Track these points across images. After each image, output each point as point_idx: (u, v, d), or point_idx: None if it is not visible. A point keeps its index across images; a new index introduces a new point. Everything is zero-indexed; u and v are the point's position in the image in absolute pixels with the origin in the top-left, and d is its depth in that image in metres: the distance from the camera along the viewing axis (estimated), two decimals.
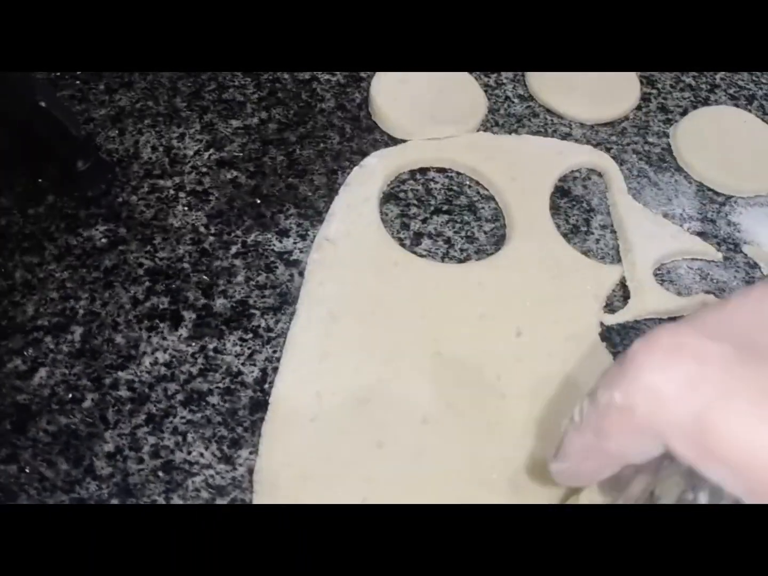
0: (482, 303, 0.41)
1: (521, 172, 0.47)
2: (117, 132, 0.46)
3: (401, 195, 0.46)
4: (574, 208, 0.47)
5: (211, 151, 0.46)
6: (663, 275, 0.45)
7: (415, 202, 0.46)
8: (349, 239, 0.42)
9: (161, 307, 0.39)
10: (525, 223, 0.45)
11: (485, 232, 0.45)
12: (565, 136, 0.51)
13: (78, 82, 0.49)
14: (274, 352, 0.38)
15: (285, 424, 0.36)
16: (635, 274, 0.44)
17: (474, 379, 0.39)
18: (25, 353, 0.37)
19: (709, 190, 0.50)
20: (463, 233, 0.45)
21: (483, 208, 0.46)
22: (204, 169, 0.45)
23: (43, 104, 0.39)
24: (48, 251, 0.40)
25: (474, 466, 0.36)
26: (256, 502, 0.34)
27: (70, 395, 0.36)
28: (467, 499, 0.35)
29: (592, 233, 0.46)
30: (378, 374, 0.38)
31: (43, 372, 0.36)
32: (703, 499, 0.20)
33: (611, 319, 0.42)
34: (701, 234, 0.48)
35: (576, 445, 0.21)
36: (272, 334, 0.39)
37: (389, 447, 0.36)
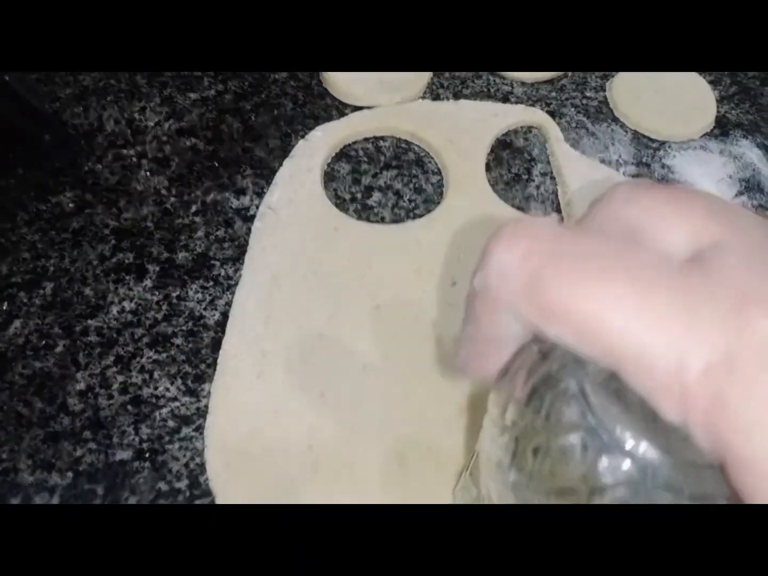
0: (418, 259, 0.44)
1: (458, 135, 0.50)
2: (81, 109, 0.49)
3: (352, 154, 0.49)
4: (516, 158, 0.50)
5: (171, 121, 0.49)
6: None
7: (365, 159, 0.49)
8: (290, 207, 0.45)
9: (126, 261, 0.42)
10: (461, 181, 0.48)
11: (432, 184, 0.48)
12: (507, 95, 0.54)
13: None
14: (233, 297, 0.41)
15: (232, 381, 0.38)
16: (573, 214, 0.47)
17: (410, 327, 0.41)
18: (1, 308, 0.40)
19: (644, 137, 0.53)
20: (411, 185, 0.48)
21: (429, 162, 0.49)
22: (164, 138, 0.48)
23: (6, 78, 0.41)
24: (19, 217, 0.43)
25: (411, 406, 0.38)
26: (207, 456, 0.36)
27: (43, 342, 0.39)
28: (404, 437, 0.37)
29: (533, 180, 0.49)
30: (320, 332, 0.40)
31: (17, 323, 0.39)
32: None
33: None
34: (636, 176, 0.50)
35: (465, 336, 0.23)
36: (232, 282, 0.42)
37: (331, 395, 0.38)
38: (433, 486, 0.36)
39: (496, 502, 0.25)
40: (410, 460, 0.37)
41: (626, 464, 0.18)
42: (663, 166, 0.52)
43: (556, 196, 0.48)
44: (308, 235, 0.44)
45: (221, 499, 0.35)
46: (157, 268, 0.42)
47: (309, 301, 0.42)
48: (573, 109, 0.54)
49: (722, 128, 0.55)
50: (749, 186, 0.52)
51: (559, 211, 0.48)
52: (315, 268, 0.43)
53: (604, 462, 0.18)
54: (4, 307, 0.40)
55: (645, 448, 0.18)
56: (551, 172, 0.50)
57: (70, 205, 0.44)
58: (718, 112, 0.55)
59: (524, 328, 0.20)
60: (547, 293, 0.18)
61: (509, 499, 0.24)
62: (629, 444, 0.18)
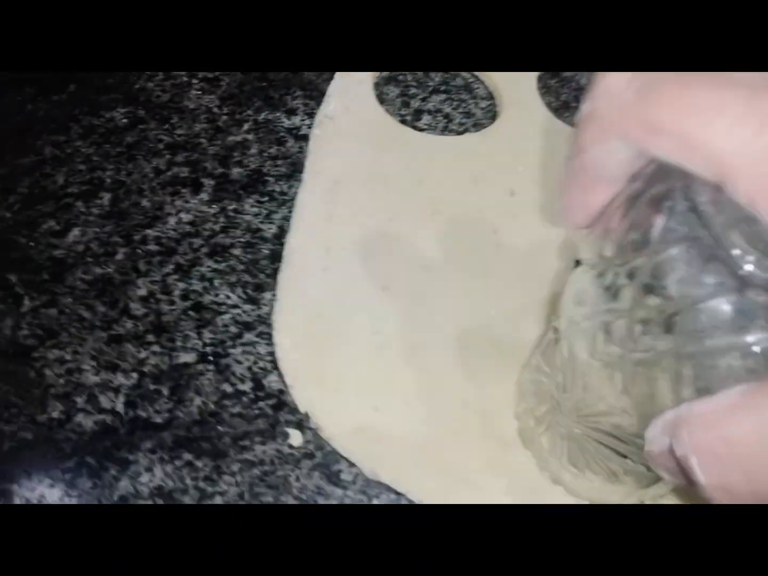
0: (476, 169, 0.44)
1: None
2: None
3: (400, 78, 0.49)
4: (564, 86, 0.50)
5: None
6: None
7: (414, 83, 0.48)
8: (347, 115, 0.45)
9: (182, 175, 0.42)
10: (514, 100, 0.48)
11: (481, 109, 0.48)
12: None
13: None
14: (290, 212, 0.41)
15: (299, 274, 0.39)
16: None
17: (470, 233, 0.41)
18: (58, 216, 0.40)
19: None
20: (460, 109, 0.48)
21: (478, 88, 0.49)
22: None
23: None
24: (73, 130, 0.43)
25: (472, 305, 0.39)
26: (276, 338, 0.37)
27: (103, 250, 0.39)
28: (466, 330, 0.38)
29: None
30: (381, 231, 0.41)
31: (76, 231, 0.39)
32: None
33: None
34: None
35: (569, 172, 0.24)
36: (286, 197, 0.42)
37: (394, 290, 0.39)
38: (496, 369, 0.36)
39: (577, 367, 0.26)
40: (473, 349, 0.37)
41: (728, 273, 0.18)
42: None
43: None
44: (367, 142, 0.44)
45: (290, 378, 0.35)
46: (213, 182, 0.42)
47: (370, 203, 0.42)
48: None
49: None
50: None
51: None
52: (374, 174, 0.43)
53: (708, 269, 0.19)
54: (62, 216, 0.40)
55: (748, 259, 0.18)
56: None
57: (123, 120, 0.44)
58: None
59: (629, 155, 0.21)
60: (654, 106, 0.19)
61: (593, 365, 0.24)
62: (735, 252, 0.18)
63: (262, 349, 0.37)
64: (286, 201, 0.42)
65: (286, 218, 0.41)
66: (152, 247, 0.39)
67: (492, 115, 0.48)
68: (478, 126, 0.47)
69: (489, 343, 0.37)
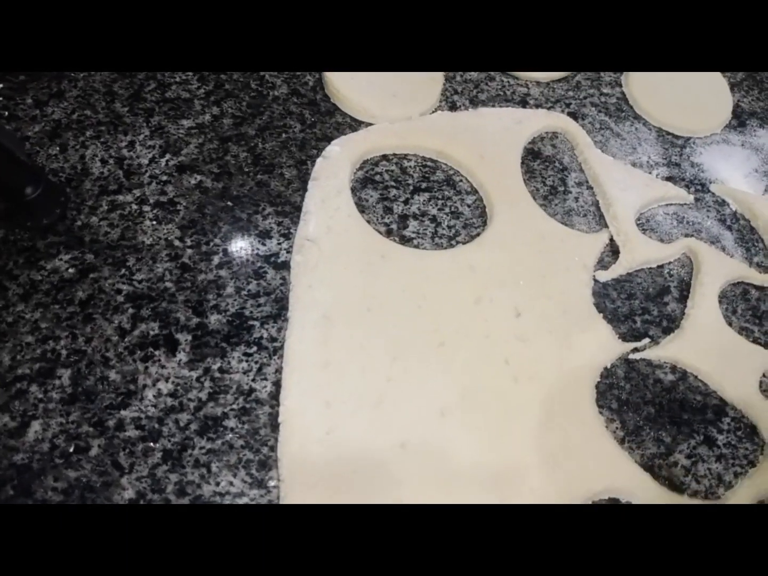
0: (476, 287, 0.40)
1: (487, 148, 0.45)
2: (58, 149, 0.41)
3: (377, 178, 0.44)
4: (548, 169, 0.46)
5: (168, 156, 0.42)
6: (644, 224, 0.45)
7: (393, 183, 0.44)
8: (330, 236, 0.40)
9: (152, 333, 0.36)
10: (503, 199, 0.44)
11: (468, 205, 0.44)
12: (524, 97, 0.50)
13: (1, 98, 0.43)
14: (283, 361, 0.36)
15: (301, 443, 0.34)
16: (620, 227, 0.44)
17: (483, 366, 0.37)
18: (12, 408, 0.33)
19: (668, 134, 0.50)
20: (447, 209, 0.43)
21: (461, 180, 0.45)
22: (164, 177, 0.41)
23: None
24: (11, 291, 0.36)
25: (502, 453, 0.35)
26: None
27: (73, 445, 0.32)
28: (500, 487, 0.34)
29: (570, 192, 0.46)
30: (386, 373, 0.36)
31: (36, 425, 0.33)
32: None
33: (605, 276, 0.42)
34: (669, 179, 0.48)
35: None
36: (277, 344, 0.36)
37: (413, 445, 0.34)
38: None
39: None
40: (507, 495, 0.34)
41: None
42: (692, 165, 0.49)
43: (597, 207, 0.45)
44: (355, 265, 0.39)
45: None
46: (189, 337, 0.36)
47: (368, 339, 0.37)
48: (593, 109, 0.50)
49: (738, 119, 0.53)
50: None
51: (603, 224, 0.44)
52: (368, 303, 0.38)
53: None
54: (17, 407, 0.33)
55: None
56: (587, 181, 0.46)
57: (70, 270, 0.37)
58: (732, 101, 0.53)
59: None
60: None
61: None
62: None
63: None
64: (278, 349, 0.36)
65: (280, 370, 0.36)
66: (131, 432, 0.33)
67: (480, 212, 0.43)
68: (468, 227, 0.43)
69: (527, 490, 0.34)
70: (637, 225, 0.45)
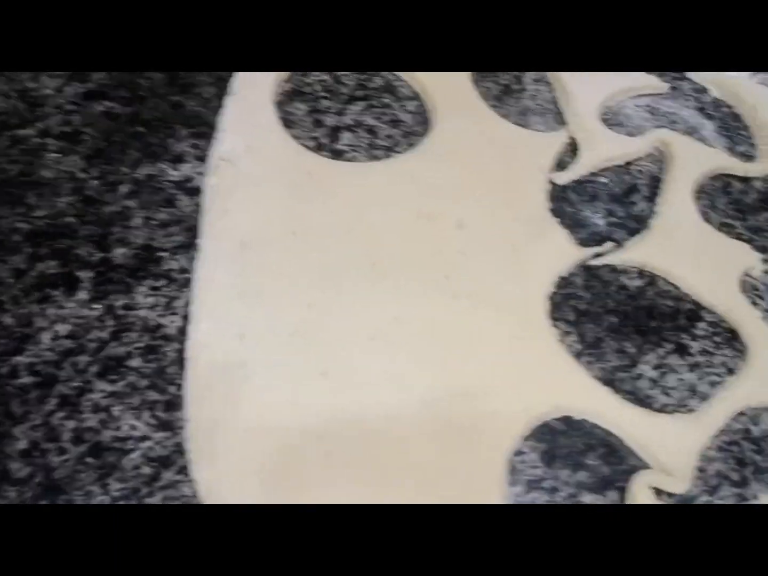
0: (416, 200, 0.35)
1: None
2: None
3: (307, 89, 0.39)
4: None
5: (75, 84, 0.38)
6: (610, 119, 0.40)
7: (325, 93, 0.39)
8: (249, 155, 0.35)
9: (50, 272, 0.32)
10: (447, 102, 0.39)
11: (410, 112, 0.39)
12: None
13: None
14: None
15: (210, 378, 0.30)
16: (581, 123, 0.38)
17: (420, 284, 0.33)
18: None
19: None
20: (385, 118, 0.39)
21: (402, 86, 0.40)
22: (70, 107, 0.37)
23: None
24: None
25: (438, 378, 0.31)
26: (196, 473, 0.28)
27: None
28: (427, 421, 0.30)
29: (526, 89, 0.41)
30: (309, 301, 0.32)
31: None
32: None
33: (564, 177, 0.37)
34: None
35: None
36: (188, 276, 0.33)
37: (336, 373, 0.30)
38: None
39: None
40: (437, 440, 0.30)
41: None
42: None
43: (556, 105, 0.40)
44: (278, 185, 0.35)
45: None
46: (92, 274, 0.32)
47: (291, 267, 0.33)
48: None
49: None
50: None
51: (563, 122, 0.39)
52: (293, 226, 0.34)
53: None
54: None
55: None
56: (545, 77, 0.41)
57: None
58: None
59: None
60: None
61: None
62: None
63: (187, 490, 0.28)
64: (189, 281, 0.33)
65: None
66: (26, 379, 0.30)
67: (423, 119, 0.39)
68: (409, 136, 0.38)
69: (455, 427, 0.30)
70: (603, 120, 0.40)
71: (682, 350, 0.33)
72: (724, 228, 0.37)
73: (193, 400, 0.29)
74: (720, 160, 0.38)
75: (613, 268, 0.35)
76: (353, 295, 0.32)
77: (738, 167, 0.38)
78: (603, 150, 0.38)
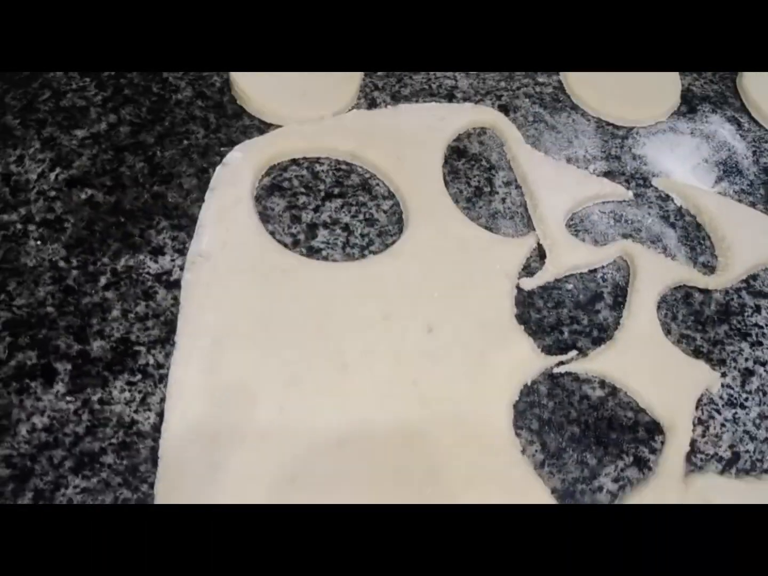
0: (386, 301, 0.39)
1: (405, 149, 0.45)
2: None
3: (285, 185, 0.43)
4: (474, 168, 0.46)
5: (58, 170, 0.42)
6: (576, 225, 0.45)
7: (302, 189, 0.43)
8: (225, 251, 0.39)
9: (29, 363, 0.35)
10: (421, 204, 0.43)
11: (384, 211, 0.43)
12: (451, 90, 0.49)
13: None
14: None
15: (179, 481, 0.33)
16: (547, 230, 0.43)
17: (388, 389, 0.37)
18: None
19: (609, 124, 0.50)
20: (361, 216, 0.43)
21: (377, 184, 0.44)
22: (53, 193, 0.41)
23: None
24: None
25: (402, 486, 0.34)
26: None
27: None
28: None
29: (497, 192, 0.45)
30: (279, 403, 0.35)
31: None
32: None
33: (530, 284, 0.41)
34: (608, 174, 0.47)
35: None
36: (164, 371, 0.36)
37: (304, 479, 0.34)
38: None
39: None
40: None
41: None
42: (634, 158, 0.48)
43: (526, 208, 0.44)
44: (252, 283, 0.39)
45: None
46: (69, 366, 0.36)
47: (261, 365, 0.36)
48: (527, 100, 0.49)
49: (689, 104, 0.52)
50: (727, 170, 0.49)
51: (531, 226, 0.44)
52: (265, 323, 0.37)
53: None
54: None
55: None
56: (515, 180, 0.46)
57: None
58: (681, 85, 0.52)
59: None
60: None
61: None
62: None
63: None
64: (164, 376, 0.36)
65: (165, 400, 0.35)
66: (1, 471, 0.33)
67: (397, 218, 0.43)
68: (384, 235, 0.42)
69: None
70: (569, 226, 0.44)
71: (640, 463, 0.37)
72: (684, 340, 0.41)
73: (159, 492, 0.32)
74: (682, 272, 0.43)
75: (575, 377, 0.39)
76: (322, 398, 0.36)
77: (699, 280, 0.43)
78: (568, 258, 0.42)
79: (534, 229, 0.43)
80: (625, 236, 0.44)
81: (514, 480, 0.35)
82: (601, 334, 0.41)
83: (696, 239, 0.46)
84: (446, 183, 0.44)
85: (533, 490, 0.35)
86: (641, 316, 0.41)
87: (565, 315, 0.41)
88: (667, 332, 0.41)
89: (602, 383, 0.39)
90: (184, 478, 0.33)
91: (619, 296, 0.42)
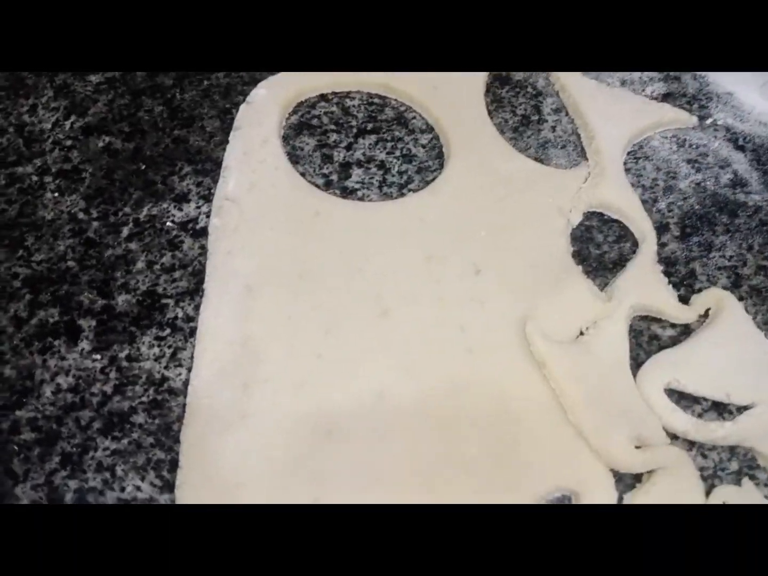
0: (428, 242, 0.36)
1: (442, 77, 0.41)
2: None
3: (314, 122, 0.40)
4: (519, 95, 0.42)
5: (73, 118, 0.40)
6: (636, 152, 0.41)
7: (333, 127, 0.40)
8: (254, 194, 0.37)
9: (51, 320, 0.34)
10: (462, 136, 0.40)
11: (423, 146, 0.40)
12: None
13: None
14: None
15: (207, 428, 0.31)
16: (603, 165, 0.39)
17: (433, 336, 0.34)
18: None
19: None
20: (397, 152, 0.40)
21: (414, 117, 0.41)
22: (69, 143, 0.39)
23: None
24: None
25: (448, 445, 0.31)
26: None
27: None
28: (442, 486, 0.30)
29: (546, 120, 0.41)
30: (316, 350, 0.33)
31: None
32: None
33: (575, 217, 0.38)
34: (667, 96, 0.43)
35: None
36: (195, 324, 0.34)
37: (342, 434, 0.31)
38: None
39: None
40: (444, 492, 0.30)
41: None
42: (695, 77, 0.44)
43: (579, 137, 0.41)
44: (283, 226, 0.36)
45: None
46: (93, 323, 0.34)
47: (297, 311, 0.34)
48: None
49: None
50: None
51: (584, 156, 0.40)
52: (299, 269, 0.35)
53: None
54: None
55: None
56: (566, 108, 0.42)
57: None
58: None
59: None
60: None
61: None
62: None
63: None
64: (195, 329, 0.34)
65: None
66: (27, 435, 0.31)
67: (437, 152, 0.40)
68: (423, 171, 0.39)
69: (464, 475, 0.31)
70: (629, 153, 0.40)
71: None
72: None
73: (187, 456, 0.31)
74: None
75: (643, 317, 0.36)
76: (362, 346, 0.33)
77: None
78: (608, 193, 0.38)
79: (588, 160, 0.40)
80: (689, 162, 0.41)
81: (561, 443, 0.32)
82: (669, 268, 0.37)
83: None
84: (489, 113, 0.41)
85: (581, 457, 0.32)
86: None
87: (628, 249, 0.38)
88: None
89: (674, 325, 0.36)
90: (212, 425, 0.31)
91: (687, 227, 0.39)
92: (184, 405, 0.32)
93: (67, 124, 0.39)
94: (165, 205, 0.37)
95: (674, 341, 0.35)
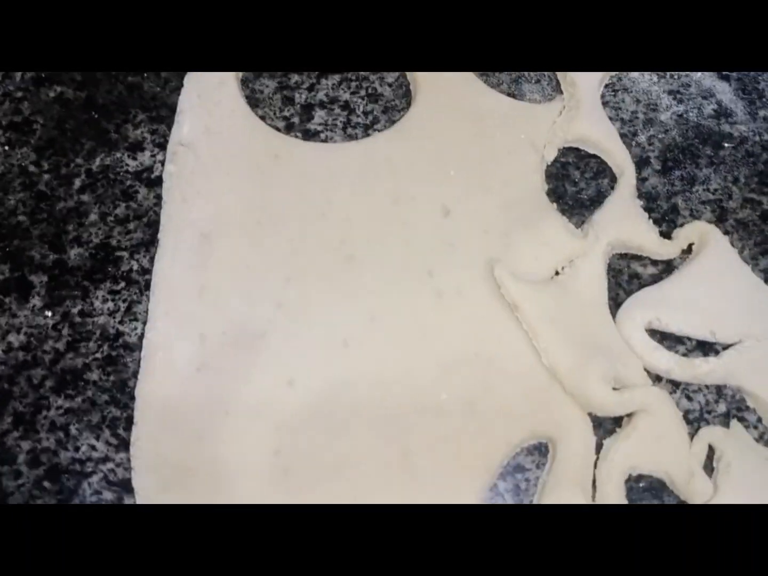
0: (394, 183, 0.35)
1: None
2: None
3: None
4: None
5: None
6: (614, 84, 0.39)
7: None
8: (210, 138, 0.35)
9: (1, 277, 0.32)
10: (430, 73, 0.37)
11: (389, 84, 0.38)
12: None
13: None
14: None
15: (163, 379, 0.30)
16: (576, 93, 0.37)
17: (400, 280, 0.33)
18: None
19: None
20: (362, 92, 0.38)
21: None
22: (19, 94, 0.37)
23: None
24: None
25: (414, 390, 0.30)
26: (136, 484, 0.29)
27: None
28: (408, 437, 0.30)
29: None
30: (276, 299, 0.32)
31: None
32: None
33: (550, 153, 0.36)
34: None
35: None
36: (150, 277, 0.32)
37: (303, 383, 0.30)
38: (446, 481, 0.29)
39: None
40: (415, 454, 0.30)
41: None
42: None
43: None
44: (241, 171, 0.35)
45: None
46: (45, 278, 0.32)
47: (256, 261, 0.33)
48: None
49: None
50: None
51: (560, 89, 0.38)
52: (258, 216, 0.34)
53: None
54: None
55: None
56: None
57: None
58: None
59: None
60: None
61: None
62: None
63: None
64: (150, 282, 0.32)
65: None
66: None
67: (404, 91, 0.38)
68: (389, 111, 0.37)
69: (435, 440, 0.30)
70: (607, 86, 0.39)
71: None
72: None
73: (141, 409, 0.29)
74: None
75: (622, 255, 0.34)
76: (325, 294, 0.32)
77: None
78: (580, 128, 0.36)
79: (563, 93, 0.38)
80: (670, 93, 0.39)
81: (535, 387, 0.31)
82: (650, 204, 0.36)
83: (755, 92, 0.40)
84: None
85: (556, 400, 0.31)
86: None
87: (606, 186, 0.36)
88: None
89: (655, 262, 0.34)
90: (168, 378, 0.30)
91: (669, 160, 0.37)
92: (140, 360, 0.31)
93: (17, 75, 0.38)
94: (118, 155, 0.35)
95: (656, 279, 0.34)
